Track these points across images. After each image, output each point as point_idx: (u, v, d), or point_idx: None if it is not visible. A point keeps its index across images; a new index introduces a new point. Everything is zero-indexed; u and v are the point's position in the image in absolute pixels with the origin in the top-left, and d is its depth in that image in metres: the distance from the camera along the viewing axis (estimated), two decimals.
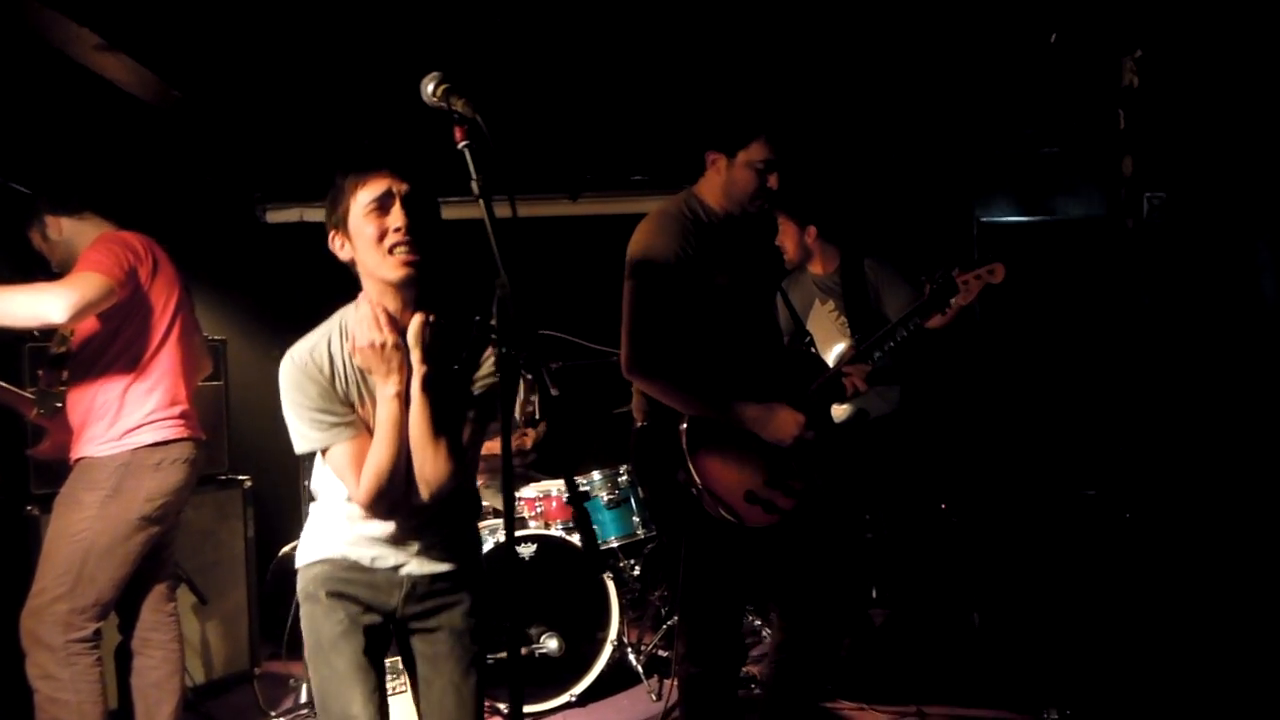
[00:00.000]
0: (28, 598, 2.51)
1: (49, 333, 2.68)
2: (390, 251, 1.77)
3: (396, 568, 1.91)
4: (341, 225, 1.81)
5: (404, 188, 1.78)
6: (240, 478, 3.83)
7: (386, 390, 1.80)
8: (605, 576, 3.43)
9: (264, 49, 3.50)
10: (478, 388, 1.89)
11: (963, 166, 4.50)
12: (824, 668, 2.54)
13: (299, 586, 1.94)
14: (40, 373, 2.70)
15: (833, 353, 3.37)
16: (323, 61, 3.61)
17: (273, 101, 3.95)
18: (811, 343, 2.66)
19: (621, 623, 3.45)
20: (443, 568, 1.93)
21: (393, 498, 1.82)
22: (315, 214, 4.85)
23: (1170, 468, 3.37)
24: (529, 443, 4.22)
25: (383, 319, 1.80)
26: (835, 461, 2.60)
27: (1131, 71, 3.10)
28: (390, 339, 1.78)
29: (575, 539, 3.59)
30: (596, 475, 3.79)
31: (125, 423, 2.57)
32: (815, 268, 3.61)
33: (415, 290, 1.84)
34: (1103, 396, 3.95)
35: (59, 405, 2.69)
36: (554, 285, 4.27)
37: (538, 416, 4.22)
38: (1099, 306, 3.92)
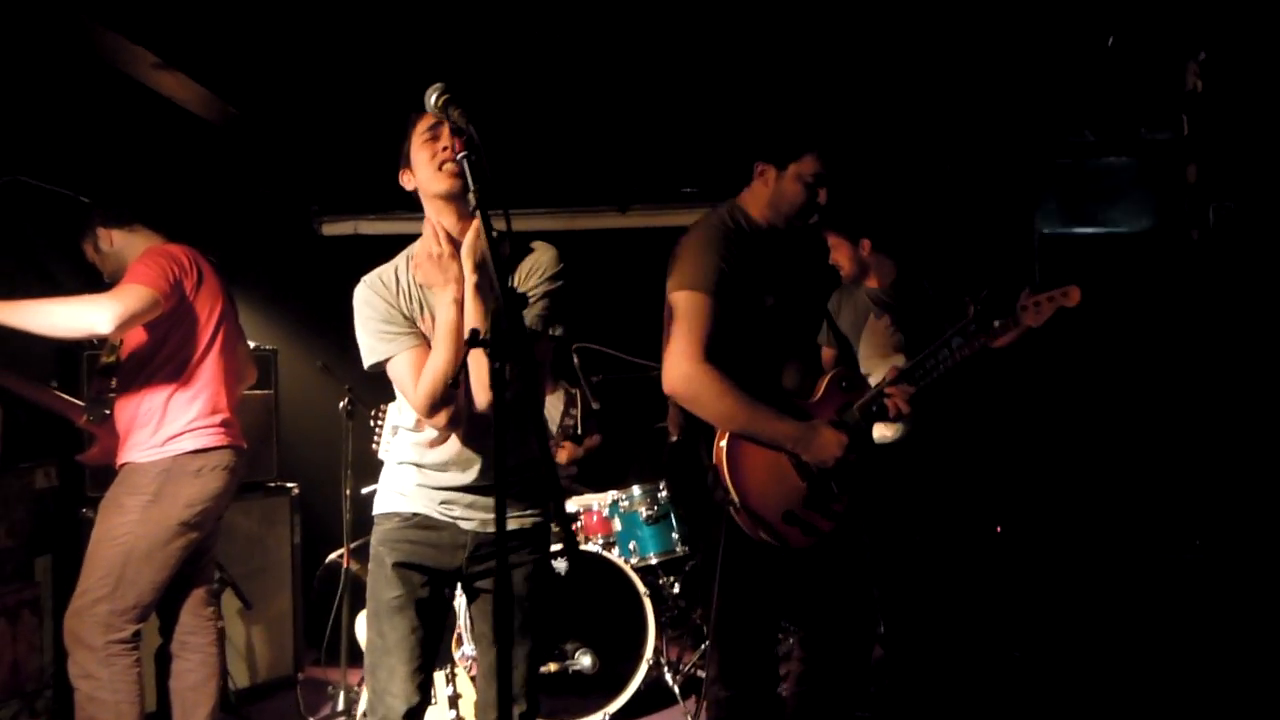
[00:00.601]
0: (71, 598, 2.59)
1: (102, 341, 2.77)
2: (440, 168, 1.93)
3: (460, 521, 1.98)
4: (407, 161, 2.01)
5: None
6: (288, 485, 3.90)
7: (444, 297, 1.92)
8: (642, 594, 3.38)
9: (319, 65, 3.57)
10: (533, 293, 1.96)
11: (1021, 175, 4.33)
12: (848, 700, 2.44)
13: (373, 538, 2.06)
14: (91, 380, 2.78)
15: (885, 369, 3.26)
16: (379, 76, 3.66)
17: (328, 117, 4.03)
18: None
19: (659, 641, 3.39)
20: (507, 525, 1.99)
21: (449, 403, 1.90)
22: (370, 226, 4.95)
23: (1242, 496, 3.17)
24: (564, 457, 4.20)
25: (441, 234, 1.95)
26: (876, 484, 2.50)
27: (1195, 75, 2.95)
28: (446, 249, 1.93)
29: (613, 554, 3.55)
30: (636, 490, 3.73)
31: (168, 430, 2.63)
32: (871, 282, 3.51)
33: (467, 205, 1.93)
34: (1172, 418, 3.74)
35: (107, 412, 2.77)
36: (602, 298, 4.24)
37: (579, 430, 4.20)
38: (1167, 322, 3.73)
